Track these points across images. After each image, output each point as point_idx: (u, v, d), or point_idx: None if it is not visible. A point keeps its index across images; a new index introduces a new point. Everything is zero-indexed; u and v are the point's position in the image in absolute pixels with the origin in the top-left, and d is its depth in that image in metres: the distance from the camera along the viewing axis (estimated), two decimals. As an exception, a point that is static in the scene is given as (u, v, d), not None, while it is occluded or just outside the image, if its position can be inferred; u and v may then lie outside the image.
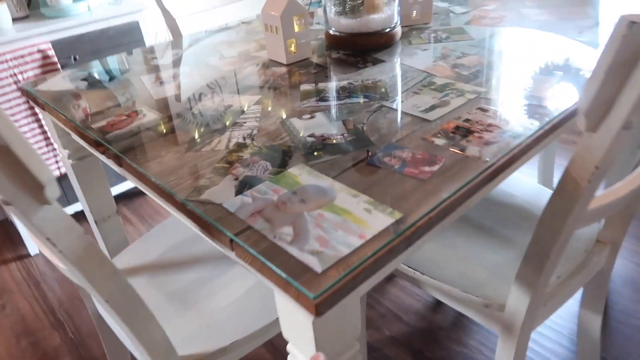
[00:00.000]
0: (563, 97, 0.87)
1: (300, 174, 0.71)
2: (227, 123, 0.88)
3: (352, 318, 0.61)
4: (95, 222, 1.30)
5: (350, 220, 0.60)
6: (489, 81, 0.96)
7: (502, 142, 0.74)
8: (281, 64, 1.15)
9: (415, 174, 0.69)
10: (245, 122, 0.88)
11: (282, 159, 0.75)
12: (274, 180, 0.70)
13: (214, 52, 1.28)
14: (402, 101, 0.90)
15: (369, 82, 1.00)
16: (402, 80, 1.00)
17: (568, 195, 0.72)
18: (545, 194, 1.23)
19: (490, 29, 1.27)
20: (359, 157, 0.74)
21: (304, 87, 1.00)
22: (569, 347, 1.34)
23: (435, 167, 0.70)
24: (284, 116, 0.89)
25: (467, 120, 0.81)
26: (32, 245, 1.92)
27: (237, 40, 1.38)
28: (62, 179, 1.92)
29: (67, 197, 1.96)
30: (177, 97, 1.01)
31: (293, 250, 0.56)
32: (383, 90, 0.96)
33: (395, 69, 1.06)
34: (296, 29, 1.14)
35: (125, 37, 1.95)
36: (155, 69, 1.18)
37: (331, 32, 1.21)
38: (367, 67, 1.08)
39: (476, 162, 0.70)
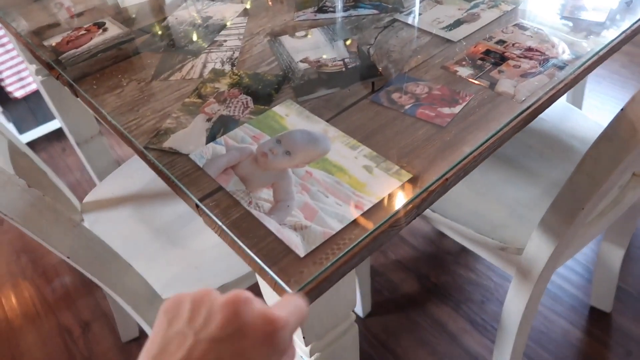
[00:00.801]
0: (624, 10, 0.69)
1: (288, 114, 0.57)
2: (204, 42, 0.72)
3: (345, 294, 0.51)
4: (77, 144, 1.19)
5: (344, 182, 0.48)
6: (530, -13, 0.77)
7: (544, 73, 0.59)
8: (275, -39, 0.95)
9: (430, 117, 0.54)
10: (225, 41, 0.72)
11: (267, 92, 0.61)
12: (254, 123, 0.56)
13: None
14: (419, 13, 0.73)
15: (381, -14, 0.81)
16: (422, -16, 0.81)
17: (621, 142, 0.58)
18: (576, 116, 1.07)
19: None
20: (362, 93, 0.59)
21: (301, -7, 0.82)
22: (582, 273, 1.27)
23: (457, 109, 0.55)
24: (273, 33, 0.73)
25: (500, 42, 0.65)
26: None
27: None
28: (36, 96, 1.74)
29: (43, 114, 1.79)
30: (147, 5, 0.84)
31: (271, 224, 0.45)
32: (397, -2, 0.77)
33: (413, -31, 0.86)
34: None
35: None
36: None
37: None
38: (379, -34, 0.88)
39: (509, 101, 0.56)
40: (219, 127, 0.56)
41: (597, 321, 1.17)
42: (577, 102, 1.57)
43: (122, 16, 0.81)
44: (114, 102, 0.63)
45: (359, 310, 1.21)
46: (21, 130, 1.79)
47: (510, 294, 0.89)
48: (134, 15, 0.81)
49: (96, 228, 0.96)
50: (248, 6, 0.80)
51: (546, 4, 0.72)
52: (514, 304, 0.88)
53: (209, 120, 0.58)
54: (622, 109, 0.57)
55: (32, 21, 0.83)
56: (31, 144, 1.85)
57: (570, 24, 0.68)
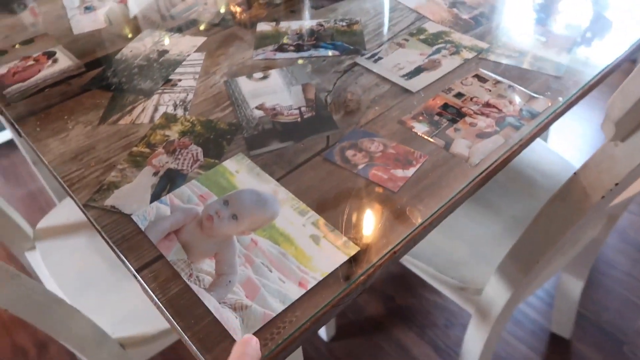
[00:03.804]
0: (592, 57, 0.69)
1: (238, 170, 0.55)
2: (158, 80, 0.69)
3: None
4: (33, 163, 1.15)
5: (290, 255, 0.47)
6: (494, 32, 0.77)
7: (499, 133, 0.58)
8: (239, -12, 0.92)
9: (383, 180, 0.53)
10: (180, 80, 0.69)
11: (219, 143, 0.59)
12: (202, 180, 0.54)
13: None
14: (381, 57, 0.71)
15: (344, 24, 0.79)
16: (386, 23, 0.80)
17: (574, 205, 0.58)
18: (541, 150, 1.08)
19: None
20: (316, 148, 0.58)
21: (262, 27, 0.80)
22: (544, 298, 1.29)
23: (410, 171, 0.54)
24: (230, 73, 0.70)
25: (459, 95, 0.64)
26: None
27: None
28: None
29: None
30: (101, 34, 0.80)
31: (210, 302, 0.43)
32: (360, 38, 0.76)
33: (379, 6, 0.85)
34: (258, -60, 0.90)
35: None
36: (83, -14, 0.94)
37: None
38: (345, -2, 0.87)
39: (463, 165, 0.55)
40: (166, 183, 0.54)
41: (556, 347, 1.18)
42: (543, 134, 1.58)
43: (75, 45, 0.78)
44: (58, 148, 0.60)
45: (322, 333, 1.21)
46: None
47: (469, 332, 0.89)
48: (86, 45, 0.77)
49: (49, 257, 0.93)
50: (205, 41, 0.78)
51: (511, 50, 0.72)
52: (473, 341, 0.89)
53: (155, 174, 0.55)
54: (575, 174, 0.57)
55: (-21, 46, 0.79)
56: (-11, 151, 1.78)
57: (534, 74, 0.67)
